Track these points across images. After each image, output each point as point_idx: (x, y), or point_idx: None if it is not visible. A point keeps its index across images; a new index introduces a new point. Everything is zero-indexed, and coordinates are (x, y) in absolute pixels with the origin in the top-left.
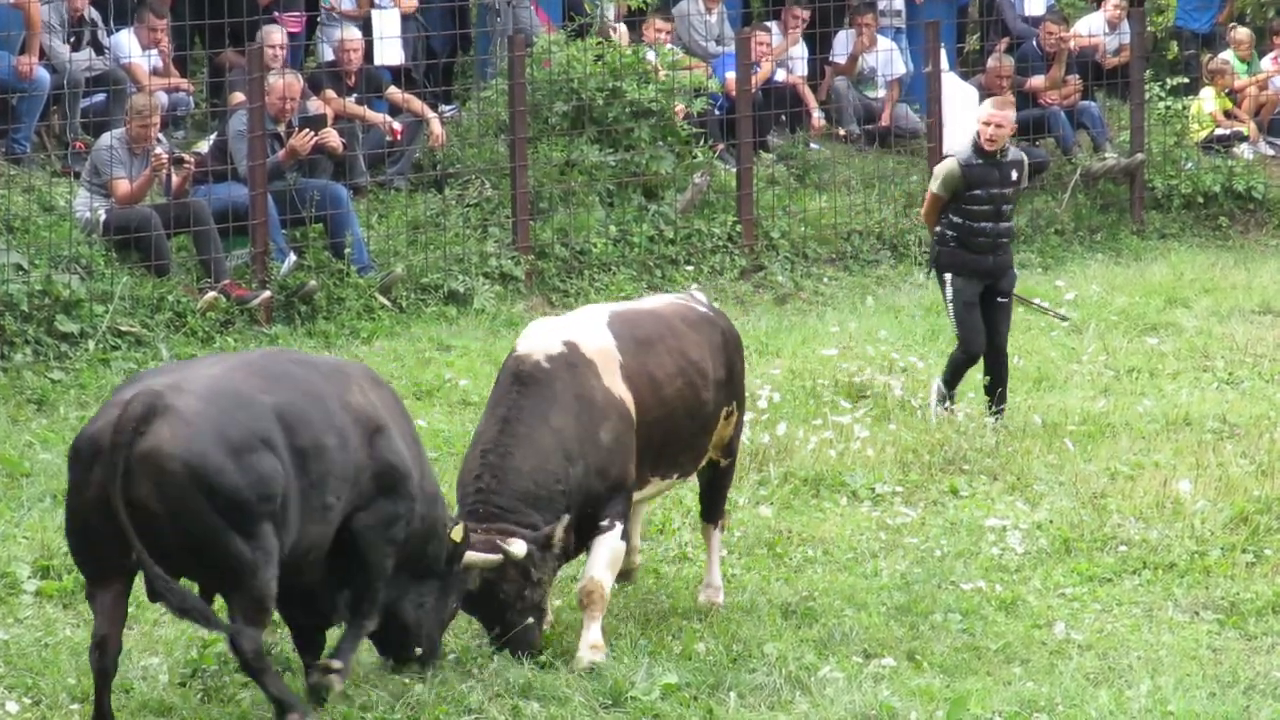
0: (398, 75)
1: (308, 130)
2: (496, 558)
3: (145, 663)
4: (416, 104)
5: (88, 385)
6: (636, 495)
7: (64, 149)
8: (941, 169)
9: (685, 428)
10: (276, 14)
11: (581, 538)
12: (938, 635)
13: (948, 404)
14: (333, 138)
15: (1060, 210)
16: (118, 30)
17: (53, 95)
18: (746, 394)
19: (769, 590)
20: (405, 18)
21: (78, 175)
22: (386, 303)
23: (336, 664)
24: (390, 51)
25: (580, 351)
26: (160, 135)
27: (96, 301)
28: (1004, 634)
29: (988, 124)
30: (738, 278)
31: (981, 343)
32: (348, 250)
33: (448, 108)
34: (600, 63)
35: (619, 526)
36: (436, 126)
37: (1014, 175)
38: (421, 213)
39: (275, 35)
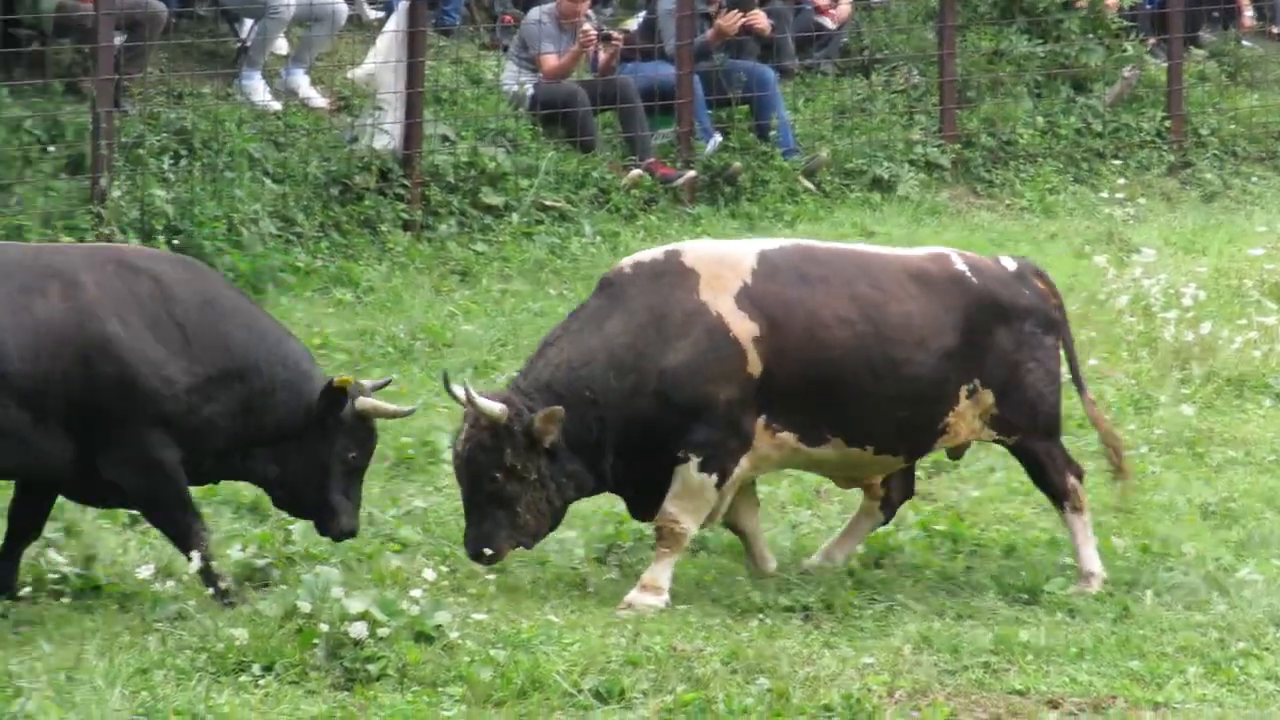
0: None
1: (736, 11)
2: (403, 409)
3: (562, 536)
4: None
5: (511, 258)
6: (807, 451)
7: (493, 22)
8: None
9: (869, 387)
10: None
11: (637, 468)
12: None
13: None
14: (761, 19)
15: None
16: None
17: None
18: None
19: (1188, 489)
20: None
21: (506, 49)
22: (810, 186)
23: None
24: None
25: (679, 260)
26: (589, 12)
27: (521, 175)
28: None
29: None
30: (1165, 174)
31: None
32: (773, 133)
33: None
34: None
35: (694, 460)
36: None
37: None
38: (848, 97)
39: None
